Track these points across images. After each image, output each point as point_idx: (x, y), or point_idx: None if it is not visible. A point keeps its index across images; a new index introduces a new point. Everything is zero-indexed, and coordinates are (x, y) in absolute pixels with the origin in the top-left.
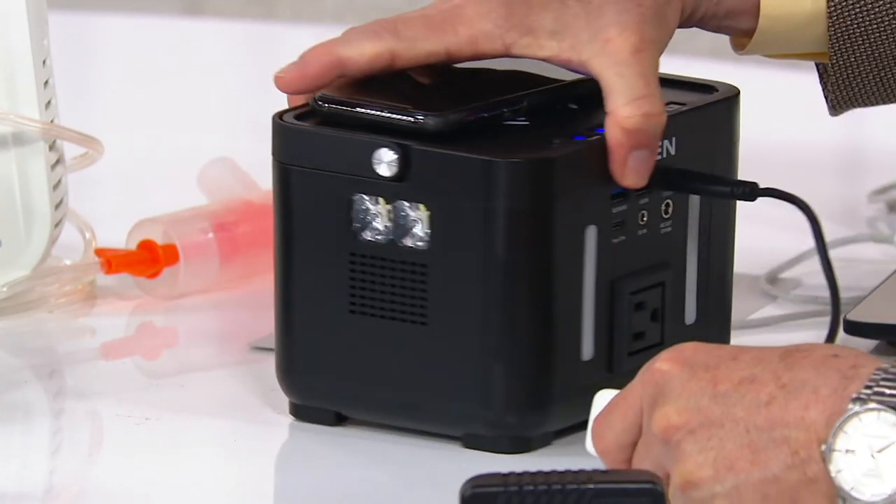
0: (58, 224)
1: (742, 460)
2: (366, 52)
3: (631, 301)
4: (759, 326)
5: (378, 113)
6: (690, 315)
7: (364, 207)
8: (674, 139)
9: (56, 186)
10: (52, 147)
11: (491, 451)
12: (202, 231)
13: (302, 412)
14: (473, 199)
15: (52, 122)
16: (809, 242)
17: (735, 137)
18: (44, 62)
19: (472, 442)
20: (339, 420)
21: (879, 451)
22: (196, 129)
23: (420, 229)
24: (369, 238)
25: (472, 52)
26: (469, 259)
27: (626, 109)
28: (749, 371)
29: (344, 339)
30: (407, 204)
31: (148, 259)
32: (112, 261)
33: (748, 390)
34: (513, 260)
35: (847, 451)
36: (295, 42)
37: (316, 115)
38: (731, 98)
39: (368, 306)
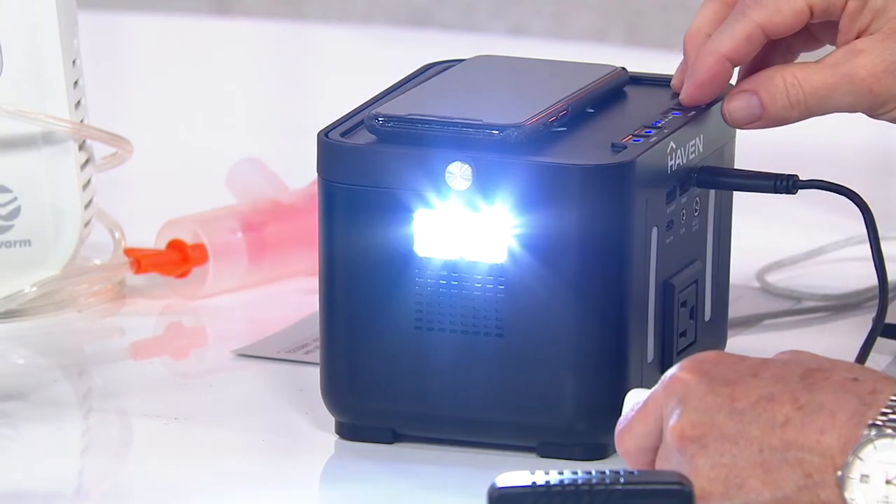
0: (87, 224)
1: (753, 479)
2: (738, 37)
3: (679, 300)
4: (752, 325)
5: (450, 128)
6: (708, 311)
7: (429, 223)
8: (702, 137)
9: (85, 186)
10: (81, 147)
11: (567, 459)
12: (231, 231)
13: (353, 431)
14: (554, 207)
15: (81, 122)
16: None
17: (733, 132)
18: (73, 62)
19: (548, 451)
20: (394, 438)
21: (892, 479)
22: (225, 129)
23: (494, 241)
24: (436, 254)
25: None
26: (550, 267)
27: None
28: (768, 389)
29: (407, 356)
30: (478, 216)
31: (177, 259)
32: (141, 260)
33: (765, 409)
34: (592, 265)
35: (862, 477)
36: (324, 42)
37: (374, 133)
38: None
39: (437, 321)
